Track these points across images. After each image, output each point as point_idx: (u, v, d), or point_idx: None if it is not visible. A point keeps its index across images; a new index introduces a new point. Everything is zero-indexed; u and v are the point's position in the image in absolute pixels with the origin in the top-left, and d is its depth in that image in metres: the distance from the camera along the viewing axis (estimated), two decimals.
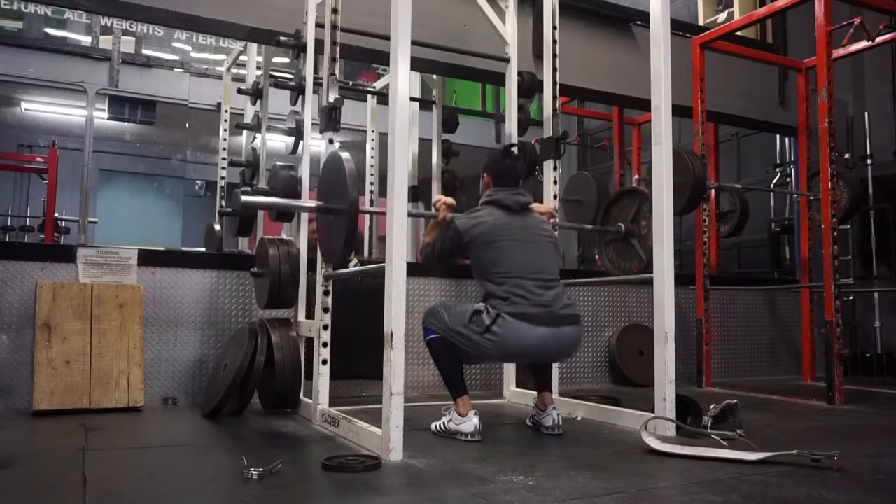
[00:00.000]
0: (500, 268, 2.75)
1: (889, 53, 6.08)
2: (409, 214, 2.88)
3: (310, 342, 3.16)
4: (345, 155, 2.51)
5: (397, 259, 2.33)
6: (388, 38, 2.47)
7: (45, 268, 3.36)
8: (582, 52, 4.82)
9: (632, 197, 3.53)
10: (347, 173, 2.47)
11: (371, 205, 5.71)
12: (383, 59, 3.05)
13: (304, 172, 3.36)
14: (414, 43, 2.48)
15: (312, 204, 2.82)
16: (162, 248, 5.56)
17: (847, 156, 5.89)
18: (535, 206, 3.05)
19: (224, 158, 4.93)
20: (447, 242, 2.86)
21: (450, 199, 2.97)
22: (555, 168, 3.74)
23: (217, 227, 4.75)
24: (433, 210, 2.99)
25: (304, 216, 3.34)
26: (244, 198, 2.71)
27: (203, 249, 5.15)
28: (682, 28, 5.32)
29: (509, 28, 3.98)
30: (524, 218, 2.90)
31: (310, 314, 3.23)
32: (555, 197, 3.70)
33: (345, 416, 2.73)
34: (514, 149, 2.99)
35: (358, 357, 3.31)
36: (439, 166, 4.91)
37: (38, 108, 7.71)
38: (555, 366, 3.36)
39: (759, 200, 6.59)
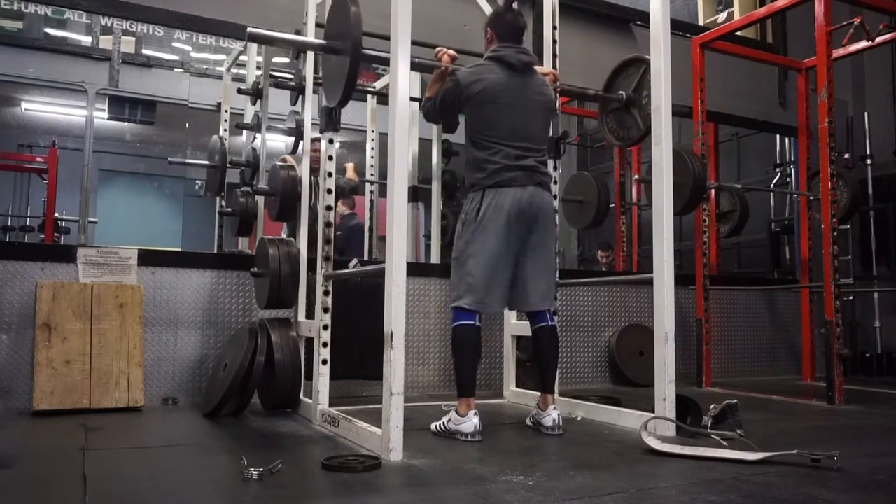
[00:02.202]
0: (491, 131, 2.84)
1: (889, 53, 6.09)
2: (414, 65, 2.80)
3: (310, 342, 3.16)
4: None
5: (397, 259, 2.33)
6: (388, 38, 2.47)
7: (45, 268, 3.36)
8: (582, 52, 4.82)
9: (636, 66, 3.50)
10: (351, 14, 2.48)
11: (371, 205, 5.71)
12: (383, 59, 3.05)
13: (304, 172, 3.36)
14: (414, 43, 2.48)
15: (317, 41, 2.83)
16: (165, 249, 5.56)
17: (847, 156, 5.89)
18: (539, 67, 3.06)
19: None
20: (448, 94, 2.89)
21: (451, 51, 2.98)
22: (555, 168, 3.74)
23: (224, 141, 4.71)
24: (435, 59, 2.99)
25: (304, 211, 3.34)
26: (251, 29, 2.72)
27: (202, 250, 5.15)
28: (682, 28, 5.33)
29: None
30: (525, 79, 2.91)
31: (310, 314, 3.23)
32: (555, 197, 3.69)
33: (345, 416, 2.73)
34: (516, 4, 3.00)
35: (358, 357, 3.32)
36: (439, 166, 4.91)
37: (38, 108, 7.71)
38: None
39: (759, 200, 6.59)
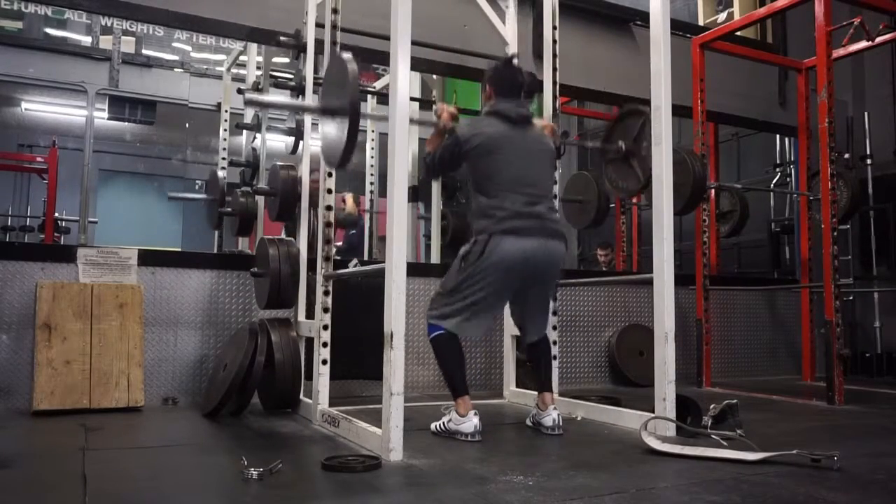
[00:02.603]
0: (495, 179, 2.79)
1: (889, 53, 6.09)
2: (412, 121, 2.83)
3: (310, 342, 3.16)
4: (347, 56, 2.50)
5: (397, 259, 2.33)
6: (388, 38, 2.47)
7: (45, 268, 3.36)
8: (582, 52, 4.82)
9: (634, 117, 3.49)
10: (349, 74, 2.46)
11: (371, 206, 5.72)
12: (383, 59, 3.05)
13: (304, 172, 3.36)
14: (414, 43, 2.48)
15: (315, 105, 2.80)
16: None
17: (847, 156, 5.89)
18: (537, 120, 3.06)
19: (224, 158, 4.93)
20: (448, 150, 2.87)
21: (452, 108, 2.97)
22: (555, 168, 3.74)
23: (221, 173, 4.70)
24: (434, 118, 2.98)
25: (304, 211, 3.34)
26: (248, 95, 2.69)
27: (202, 251, 5.15)
28: (682, 28, 5.32)
29: (509, 28, 3.99)
30: (524, 130, 2.90)
31: (310, 314, 3.23)
32: (555, 197, 3.69)
33: (345, 416, 2.73)
34: (515, 60, 2.99)
35: (358, 357, 3.31)
36: None
37: (38, 108, 7.72)
38: (554, 365, 3.37)
39: (759, 200, 6.59)
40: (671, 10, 3.02)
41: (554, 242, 2.82)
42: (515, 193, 2.77)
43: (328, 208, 3.05)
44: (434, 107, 3.11)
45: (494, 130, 2.84)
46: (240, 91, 4.77)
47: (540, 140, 2.96)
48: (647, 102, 2.97)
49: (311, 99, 3.34)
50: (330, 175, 3.04)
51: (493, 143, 2.81)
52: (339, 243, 5.78)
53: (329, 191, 3.02)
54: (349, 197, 5.46)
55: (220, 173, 4.64)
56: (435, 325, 2.82)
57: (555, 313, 3.49)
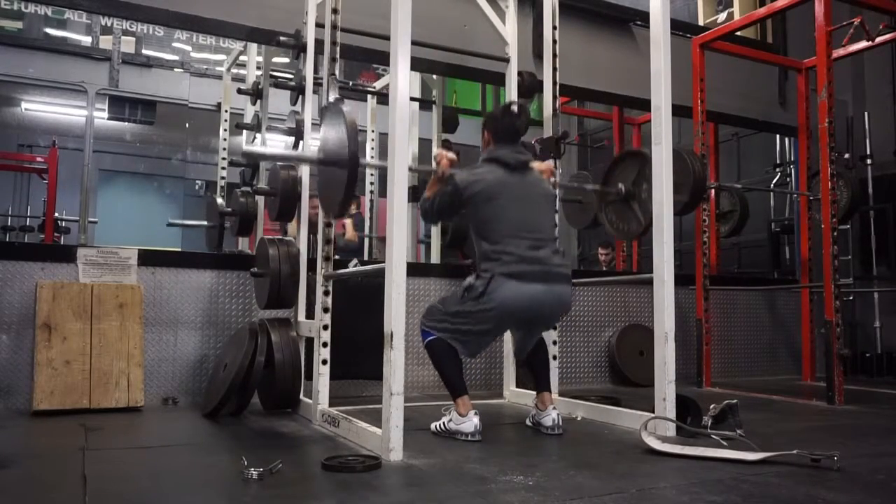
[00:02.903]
0: (496, 225, 2.77)
1: (889, 53, 6.09)
2: (411, 169, 2.84)
3: (310, 342, 3.16)
4: (345, 107, 2.50)
5: (397, 259, 2.33)
6: (388, 38, 2.47)
7: (45, 268, 3.36)
8: (582, 52, 4.82)
9: (634, 159, 3.49)
10: (347, 125, 2.46)
11: (371, 205, 5.72)
12: (383, 59, 3.05)
13: (304, 172, 3.36)
14: (414, 43, 2.48)
15: (313, 156, 2.79)
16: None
17: (847, 156, 5.89)
18: (535, 164, 3.05)
19: (224, 158, 4.93)
20: (446, 198, 2.86)
21: (451, 154, 2.97)
22: (555, 168, 3.74)
23: (220, 199, 4.71)
24: (434, 164, 2.98)
25: (304, 211, 3.34)
26: (246, 147, 2.68)
27: (203, 251, 5.15)
28: (682, 28, 5.32)
29: (509, 28, 3.98)
30: (523, 176, 2.89)
31: (310, 314, 3.23)
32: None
33: (345, 416, 2.73)
34: (514, 107, 2.99)
35: (358, 357, 3.31)
36: None
37: (38, 108, 7.71)
38: (554, 365, 3.37)
39: (759, 200, 6.59)
40: (671, 10, 3.02)
41: (559, 287, 2.79)
42: (518, 238, 2.74)
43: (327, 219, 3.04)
44: (433, 153, 3.09)
45: (493, 177, 2.82)
46: (240, 91, 4.79)
47: (539, 184, 2.94)
48: (648, 102, 2.97)
49: (309, 122, 3.34)
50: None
51: (492, 190, 2.78)
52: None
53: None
54: (349, 224, 5.47)
55: (219, 200, 4.66)
56: (428, 332, 2.82)
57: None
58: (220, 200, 4.60)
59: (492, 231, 2.77)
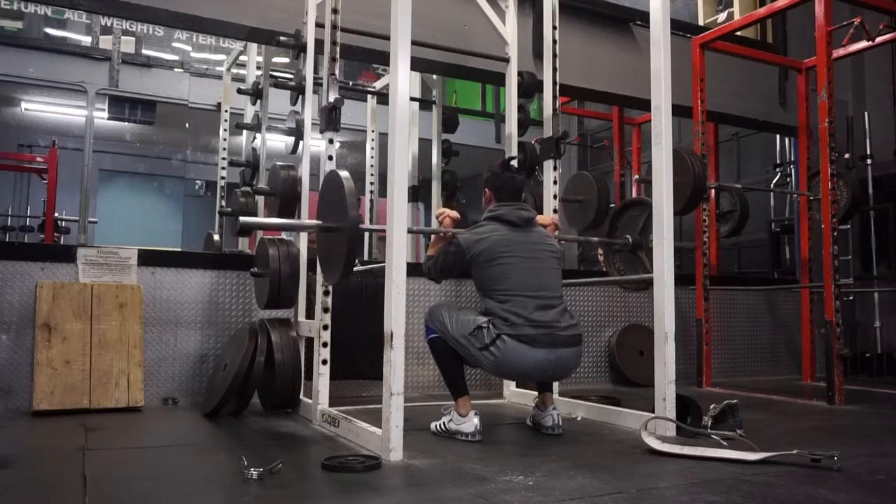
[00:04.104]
0: (502, 285, 2.73)
1: (889, 53, 6.08)
2: (410, 231, 2.86)
3: (310, 342, 3.16)
4: (344, 174, 2.49)
5: (397, 259, 2.33)
6: (388, 38, 2.47)
7: (45, 268, 3.36)
8: (582, 52, 4.82)
9: (639, 208, 3.51)
10: (347, 192, 2.44)
11: (371, 206, 5.72)
12: (383, 59, 3.05)
13: (304, 172, 3.36)
14: (414, 43, 2.48)
15: (312, 223, 2.78)
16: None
17: (847, 156, 5.89)
18: (539, 218, 3.03)
19: (224, 158, 4.93)
20: (450, 258, 2.84)
21: (454, 213, 2.95)
22: (555, 168, 3.74)
23: (216, 237, 4.77)
24: (435, 223, 2.97)
25: (304, 211, 3.33)
26: (242, 219, 2.68)
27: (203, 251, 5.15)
28: (682, 28, 5.32)
29: (509, 28, 3.98)
30: (527, 233, 2.86)
31: (310, 314, 3.23)
32: (555, 197, 3.70)
33: (345, 416, 2.73)
34: (514, 161, 2.97)
35: (358, 357, 3.31)
36: (439, 166, 4.92)
37: (38, 108, 7.71)
38: None
39: (759, 200, 6.59)
40: (671, 10, 3.02)
41: (568, 351, 2.75)
42: (525, 298, 2.70)
43: None
44: (435, 212, 3.07)
45: (498, 236, 2.79)
46: (240, 91, 4.79)
47: (544, 241, 2.92)
48: (648, 102, 2.97)
49: (309, 122, 3.34)
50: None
51: (496, 250, 2.76)
52: None
53: None
54: None
55: (216, 237, 4.71)
56: (432, 329, 2.82)
57: None
58: (216, 238, 4.66)
59: (498, 291, 2.73)
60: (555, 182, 3.72)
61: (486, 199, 3.00)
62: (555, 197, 3.70)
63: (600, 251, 6.88)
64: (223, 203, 4.86)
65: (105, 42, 6.69)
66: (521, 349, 2.64)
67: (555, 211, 3.67)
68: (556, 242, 3.06)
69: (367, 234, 5.87)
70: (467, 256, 2.78)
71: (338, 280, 2.64)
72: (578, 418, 3.22)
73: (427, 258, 2.97)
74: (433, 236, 3.01)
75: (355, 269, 3.36)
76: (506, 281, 2.73)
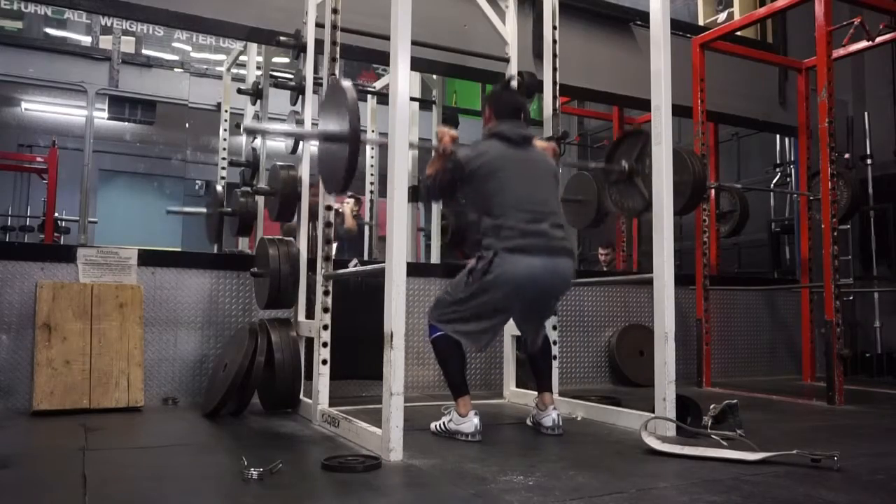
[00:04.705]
0: (498, 199, 2.76)
1: (889, 53, 6.09)
2: (411, 146, 2.82)
3: (310, 342, 3.16)
4: (346, 83, 2.49)
5: (397, 259, 2.33)
6: (388, 38, 2.47)
7: (45, 268, 3.36)
8: (582, 52, 4.82)
9: (635, 138, 3.49)
10: (349, 101, 2.45)
11: (371, 205, 5.72)
12: (383, 59, 3.05)
13: (304, 172, 3.36)
14: (414, 43, 2.48)
15: (315, 131, 2.77)
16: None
17: (847, 156, 5.89)
18: (538, 141, 3.05)
19: (224, 158, 4.93)
20: (448, 174, 2.85)
21: (453, 132, 2.96)
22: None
23: (219, 188, 4.71)
24: (435, 141, 2.97)
25: (304, 210, 3.34)
26: (246, 124, 2.69)
27: (203, 250, 5.15)
28: (682, 28, 5.32)
29: (509, 28, 3.98)
30: (526, 151, 2.89)
31: (310, 314, 3.23)
32: (559, 154, 3.66)
33: (345, 416, 2.73)
34: (514, 82, 2.97)
35: (358, 357, 3.31)
36: None
37: (38, 108, 7.71)
38: (554, 365, 3.36)
39: (759, 200, 6.59)
40: (671, 10, 3.02)
41: (561, 260, 2.77)
42: (520, 212, 2.73)
43: (328, 208, 3.05)
44: (434, 130, 3.09)
45: (496, 152, 2.82)
46: (240, 91, 4.79)
47: (542, 160, 2.94)
48: (648, 102, 2.97)
49: (309, 122, 3.34)
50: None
51: (495, 165, 2.78)
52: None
53: (328, 207, 3.02)
54: (347, 211, 5.45)
55: (219, 188, 4.66)
56: (436, 327, 2.82)
57: (555, 313, 3.49)
58: (219, 188, 4.62)
59: (494, 205, 2.76)
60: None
61: (485, 117, 3.02)
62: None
63: (601, 251, 6.91)
64: (223, 203, 4.85)
65: (105, 42, 6.69)
66: (517, 258, 2.67)
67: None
68: (553, 162, 3.07)
69: (366, 234, 5.88)
70: (466, 171, 2.80)
71: (338, 191, 2.62)
72: (578, 418, 3.22)
73: (425, 177, 2.97)
74: (432, 155, 3.01)
75: (355, 268, 3.37)
76: (501, 196, 2.76)
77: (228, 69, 5.32)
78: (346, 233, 5.34)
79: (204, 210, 4.67)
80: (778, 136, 6.65)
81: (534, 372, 3.06)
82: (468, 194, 2.88)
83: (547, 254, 2.72)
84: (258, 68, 4.75)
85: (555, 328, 3.62)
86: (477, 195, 2.83)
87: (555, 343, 3.61)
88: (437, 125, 4.91)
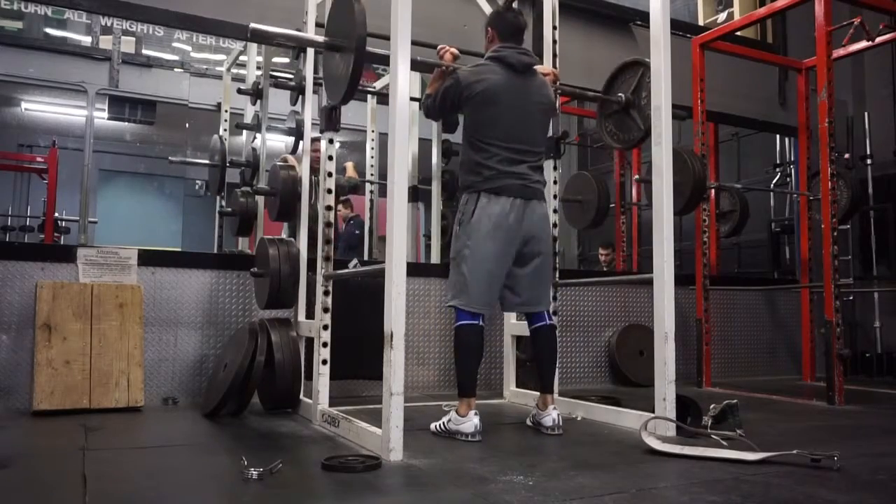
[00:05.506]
0: (487, 132, 2.82)
1: (889, 53, 6.09)
2: (415, 63, 2.81)
3: (310, 342, 3.16)
4: None
5: (397, 259, 2.33)
6: (388, 38, 2.47)
7: (45, 268, 3.36)
8: (582, 52, 4.82)
9: (634, 68, 3.49)
10: (356, 10, 2.45)
11: (371, 205, 5.72)
12: (383, 59, 3.05)
13: (304, 172, 3.36)
14: (414, 43, 2.48)
15: (321, 39, 2.77)
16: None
17: (847, 156, 5.89)
18: (539, 67, 3.06)
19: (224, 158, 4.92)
20: (448, 93, 2.88)
21: (454, 49, 2.98)
22: (555, 168, 3.74)
23: (222, 138, 4.75)
24: (437, 58, 2.98)
25: (304, 210, 3.34)
26: (252, 25, 2.70)
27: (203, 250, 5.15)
28: (682, 28, 5.33)
29: None
30: (526, 80, 2.91)
31: (310, 314, 3.23)
32: (555, 197, 3.69)
33: (345, 416, 2.73)
34: (515, 2, 3.00)
35: (358, 357, 3.31)
36: (439, 166, 4.91)
37: (38, 108, 7.71)
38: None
39: (759, 200, 6.59)
40: (671, 10, 3.02)
41: (534, 203, 2.88)
42: (503, 149, 2.82)
43: (328, 208, 3.04)
44: (437, 48, 3.09)
45: (496, 79, 2.84)
46: (240, 91, 4.79)
47: (540, 92, 2.96)
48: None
49: (309, 122, 3.34)
50: (330, 175, 3.03)
51: (493, 93, 2.81)
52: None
53: (329, 190, 3.02)
54: (349, 165, 5.47)
55: (222, 135, 4.68)
56: (460, 311, 2.82)
57: (555, 313, 3.49)
58: (223, 142, 4.65)
59: (481, 137, 2.83)
60: (555, 182, 3.72)
61: (488, 38, 3.02)
62: (555, 197, 3.69)
63: (601, 251, 6.91)
64: (223, 203, 4.86)
65: (105, 42, 6.69)
66: (494, 199, 2.80)
67: (555, 211, 3.66)
68: (552, 93, 3.10)
69: (367, 235, 5.87)
70: (464, 93, 2.83)
71: (342, 99, 2.64)
72: (578, 418, 3.22)
73: (426, 96, 3.00)
74: (434, 73, 3.03)
75: (355, 269, 3.36)
76: (491, 128, 2.83)
77: (228, 69, 5.32)
78: (348, 181, 5.31)
79: (207, 161, 4.72)
80: (778, 136, 6.65)
81: (539, 372, 3.05)
82: (464, 117, 2.93)
83: (520, 196, 2.83)
84: (258, 68, 4.75)
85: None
86: (469, 121, 2.88)
87: None
88: (437, 141, 4.91)
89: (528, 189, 2.86)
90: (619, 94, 3.44)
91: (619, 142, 3.62)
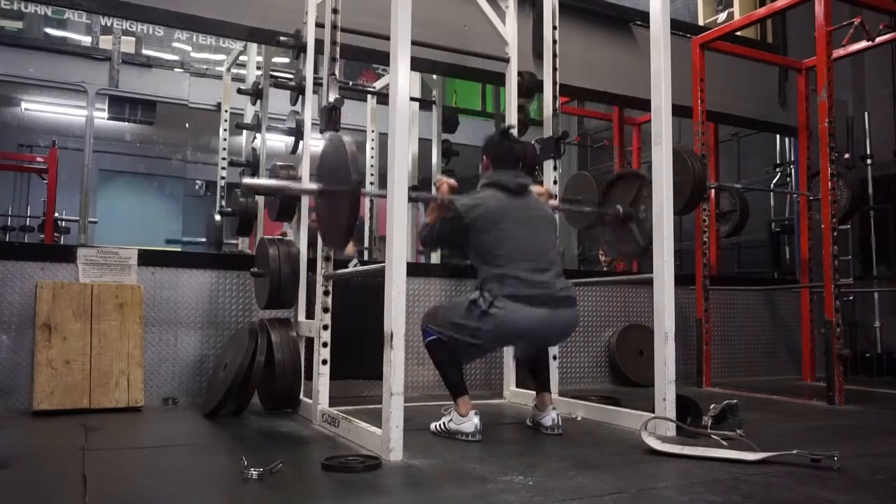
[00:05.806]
0: (499, 250, 2.75)
1: (889, 53, 6.08)
2: (410, 199, 2.86)
3: (310, 342, 3.16)
4: (347, 138, 2.50)
5: (397, 259, 2.33)
6: (388, 38, 2.47)
7: (45, 268, 3.36)
8: (582, 52, 4.82)
9: (631, 180, 3.49)
10: (349, 156, 2.46)
11: (371, 205, 5.72)
12: (383, 59, 3.06)
13: (304, 172, 3.36)
14: (414, 43, 2.48)
15: (314, 187, 2.79)
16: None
17: (847, 156, 5.89)
18: (534, 187, 3.05)
19: (224, 158, 4.93)
20: (447, 224, 2.86)
21: (451, 181, 2.97)
22: (555, 168, 3.74)
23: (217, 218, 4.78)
24: (434, 191, 2.97)
25: (305, 210, 3.34)
26: (245, 180, 2.71)
27: (202, 248, 5.15)
28: (682, 28, 5.32)
29: (509, 28, 3.98)
30: (524, 199, 2.90)
31: (310, 314, 3.23)
32: (555, 197, 3.70)
33: (345, 416, 2.73)
34: (513, 130, 2.99)
35: (358, 357, 3.31)
36: (439, 166, 4.92)
37: (38, 108, 7.71)
38: (554, 365, 3.37)
39: (759, 200, 6.59)
40: (671, 10, 3.02)
41: (563, 311, 2.77)
42: (521, 262, 2.73)
43: None
44: (434, 179, 3.09)
45: (495, 202, 2.81)
46: (240, 91, 4.79)
47: (539, 207, 2.95)
48: (648, 102, 2.97)
49: (309, 122, 3.34)
50: None
51: (494, 215, 2.78)
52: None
53: None
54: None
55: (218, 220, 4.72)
56: (430, 331, 2.82)
57: None
58: (218, 225, 4.69)
59: (494, 256, 2.75)
60: (555, 182, 3.73)
61: (483, 166, 3.03)
62: (555, 197, 3.69)
63: (602, 252, 6.90)
64: (223, 203, 4.86)
65: (105, 42, 6.69)
66: (517, 308, 2.66)
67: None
68: (550, 209, 3.09)
69: (367, 235, 5.87)
70: (465, 221, 2.80)
71: (339, 245, 2.64)
72: (578, 418, 3.22)
73: (424, 225, 2.99)
74: (431, 204, 3.02)
75: (355, 269, 3.36)
76: (503, 246, 2.75)
77: (228, 69, 5.33)
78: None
79: (202, 240, 4.74)
80: (778, 136, 6.65)
81: (533, 372, 3.06)
82: (468, 243, 2.86)
83: (549, 305, 2.72)
84: (258, 68, 4.76)
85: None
86: (476, 245, 2.82)
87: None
88: (437, 141, 4.93)
89: (555, 297, 2.73)
90: (618, 206, 3.43)
91: (616, 252, 3.62)
